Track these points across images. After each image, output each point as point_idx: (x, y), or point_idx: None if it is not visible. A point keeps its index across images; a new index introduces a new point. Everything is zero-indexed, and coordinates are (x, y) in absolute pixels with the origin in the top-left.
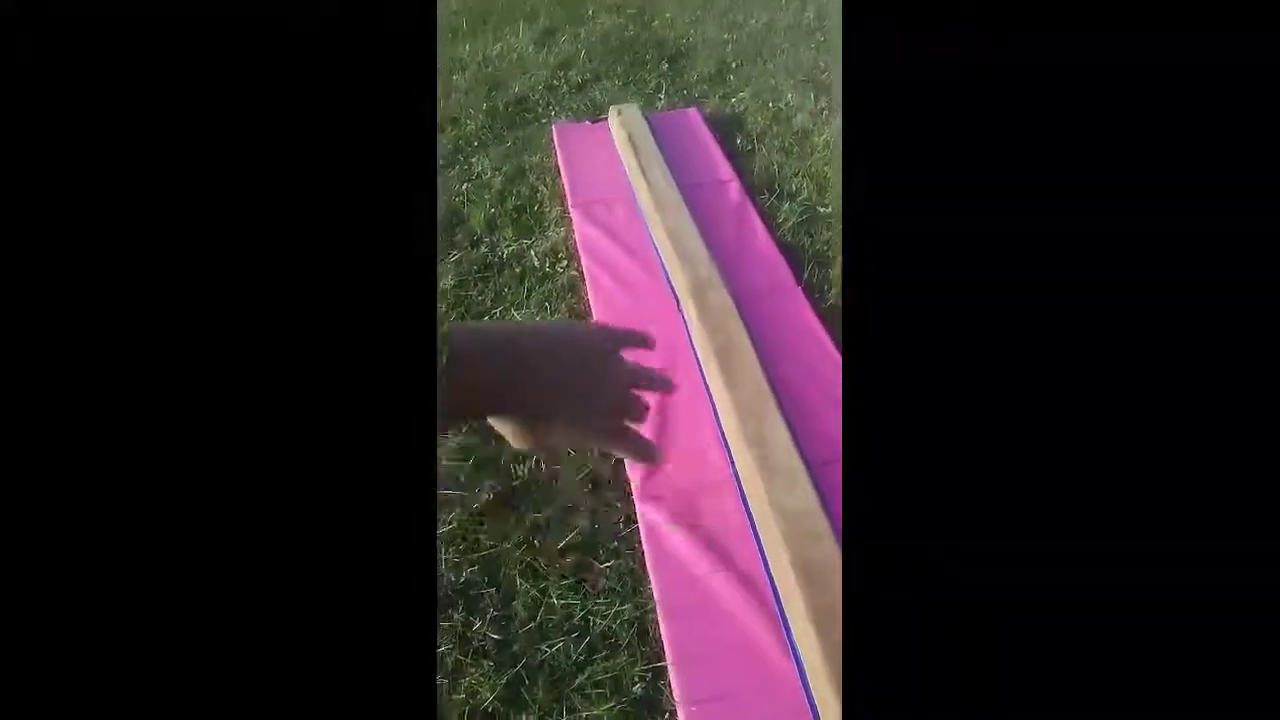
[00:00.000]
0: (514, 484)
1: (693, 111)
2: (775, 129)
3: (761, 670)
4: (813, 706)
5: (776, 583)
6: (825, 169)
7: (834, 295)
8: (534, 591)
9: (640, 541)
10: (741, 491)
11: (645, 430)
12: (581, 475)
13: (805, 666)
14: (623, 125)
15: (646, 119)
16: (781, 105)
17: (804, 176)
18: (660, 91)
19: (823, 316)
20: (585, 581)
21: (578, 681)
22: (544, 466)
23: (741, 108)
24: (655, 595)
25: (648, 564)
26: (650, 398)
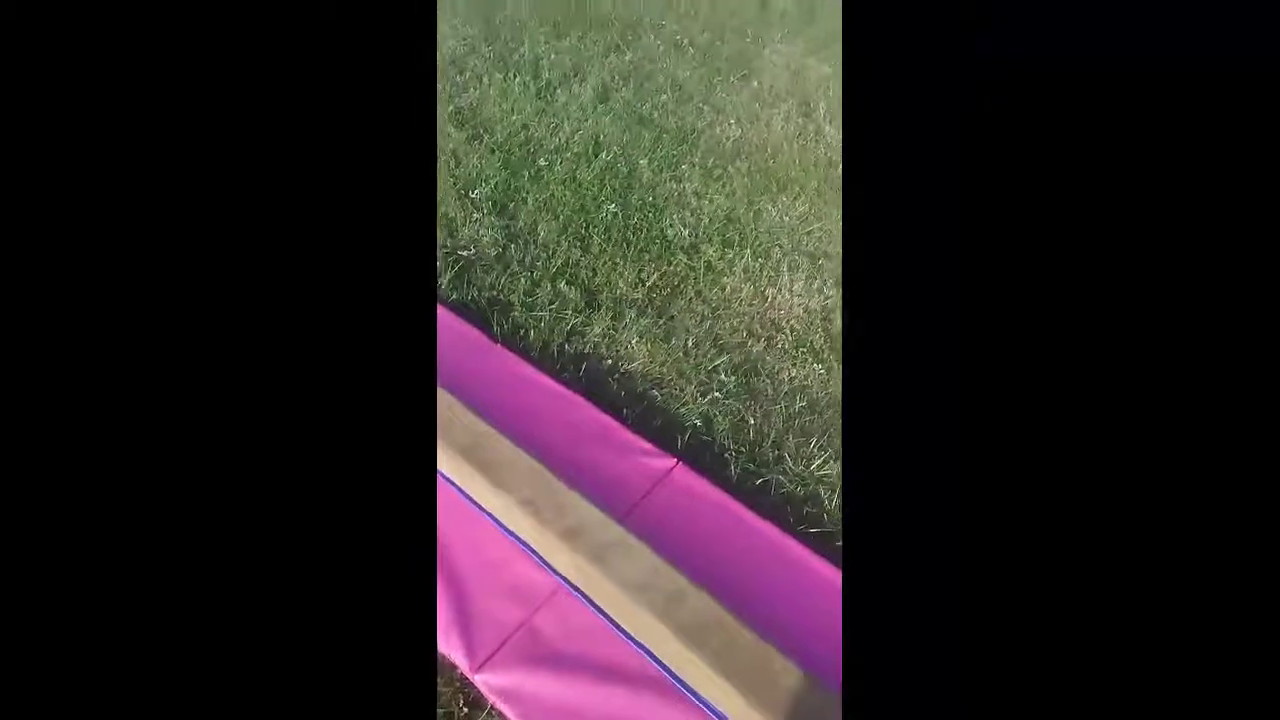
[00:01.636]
0: None
1: None
2: None
3: None
4: None
5: (670, 664)
6: (442, 209)
7: (536, 337)
8: None
9: (506, 717)
10: (578, 591)
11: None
12: None
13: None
14: None
15: None
16: None
17: None
18: None
19: (536, 362)
20: None
21: None
22: None
23: None
24: None
25: None
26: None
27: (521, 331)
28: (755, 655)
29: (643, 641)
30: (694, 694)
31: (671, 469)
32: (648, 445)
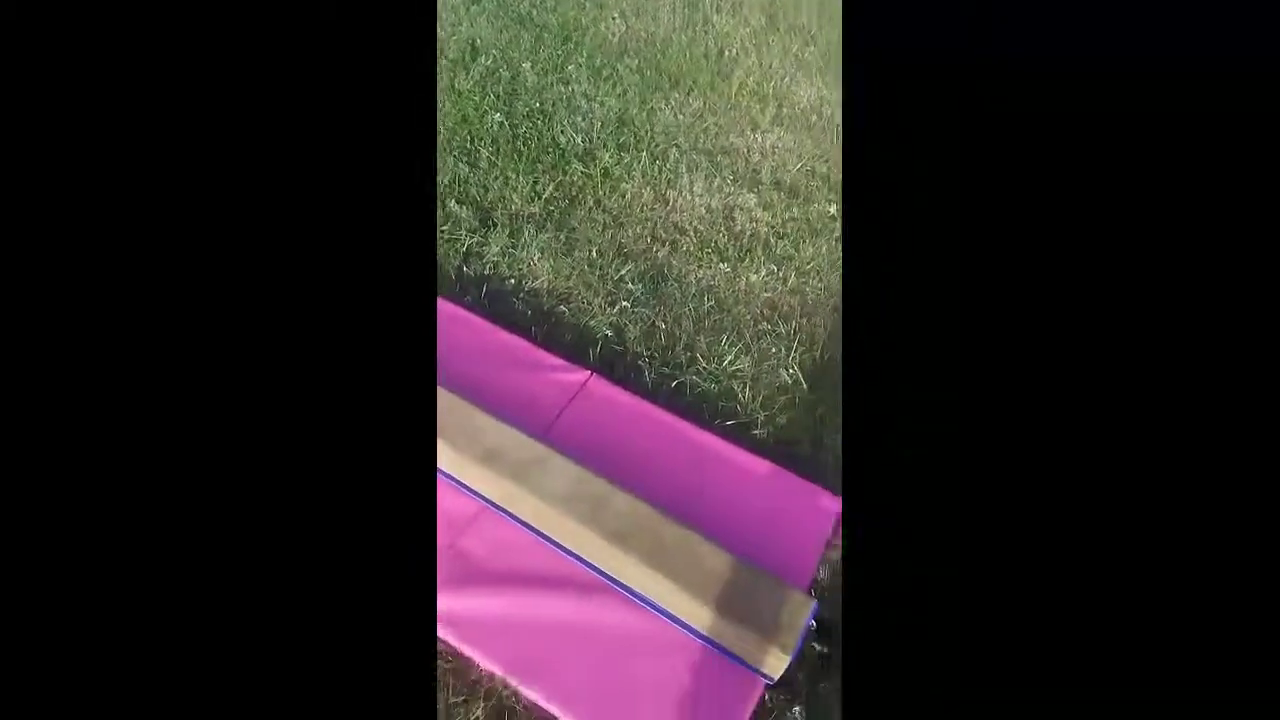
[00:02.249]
0: None
1: None
2: None
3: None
4: (723, 650)
5: (601, 565)
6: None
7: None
8: None
9: (445, 643)
10: (501, 509)
11: None
12: None
13: (674, 614)
14: None
15: None
16: None
17: None
18: None
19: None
20: None
21: None
22: None
23: None
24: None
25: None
26: None
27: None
28: (683, 545)
29: (571, 548)
30: (626, 588)
31: (586, 381)
32: (559, 361)
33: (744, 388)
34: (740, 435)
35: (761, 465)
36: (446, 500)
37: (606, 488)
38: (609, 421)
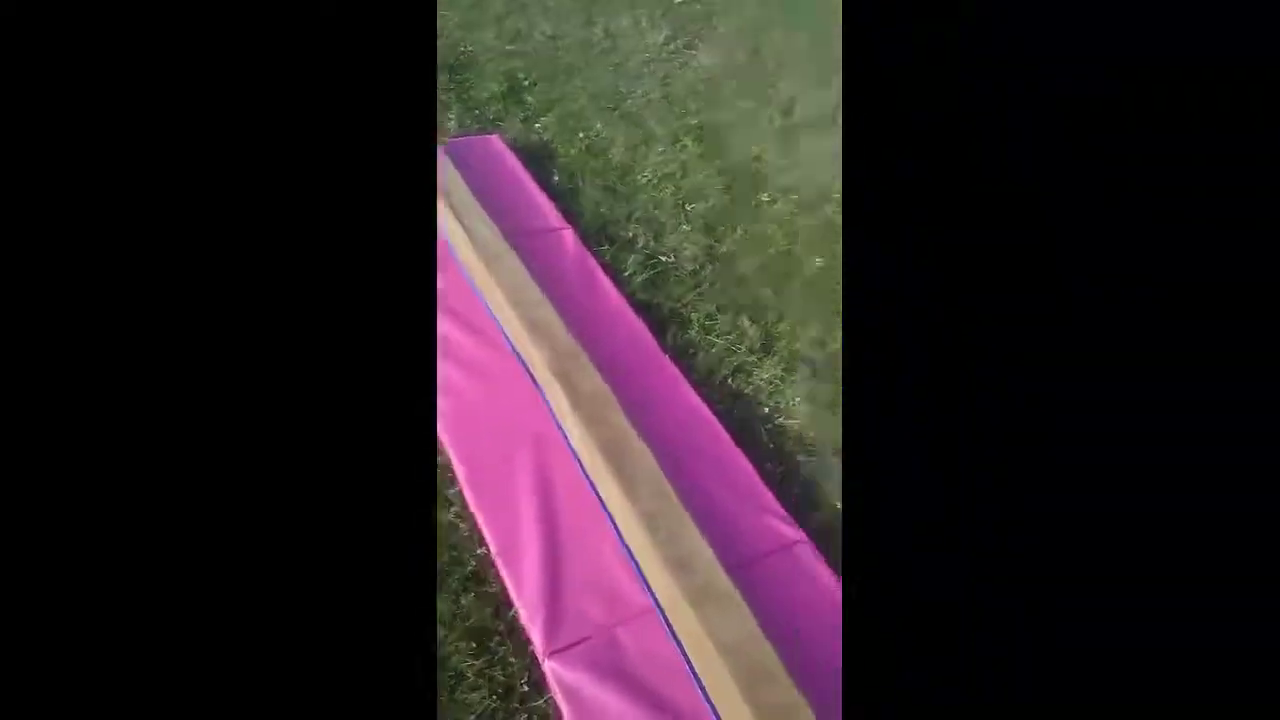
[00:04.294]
0: None
1: (494, 139)
2: (591, 163)
3: None
4: None
5: None
6: (656, 212)
7: (704, 361)
8: None
9: (560, 712)
10: (667, 622)
11: (533, 552)
12: (459, 630)
13: None
14: None
15: (445, 149)
16: (592, 135)
17: (636, 221)
18: (447, 110)
19: (698, 387)
20: None
21: None
22: None
23: (548, 135)
24: None
25: None
26: (535, 506)
27: (692, 351)
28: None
29: (714, 700)
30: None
31: (796, 543)
32: (781, 510)
33: None
34: None
35: None
36: (625, 584)
37: (773, 662)
38: (805, 595)
